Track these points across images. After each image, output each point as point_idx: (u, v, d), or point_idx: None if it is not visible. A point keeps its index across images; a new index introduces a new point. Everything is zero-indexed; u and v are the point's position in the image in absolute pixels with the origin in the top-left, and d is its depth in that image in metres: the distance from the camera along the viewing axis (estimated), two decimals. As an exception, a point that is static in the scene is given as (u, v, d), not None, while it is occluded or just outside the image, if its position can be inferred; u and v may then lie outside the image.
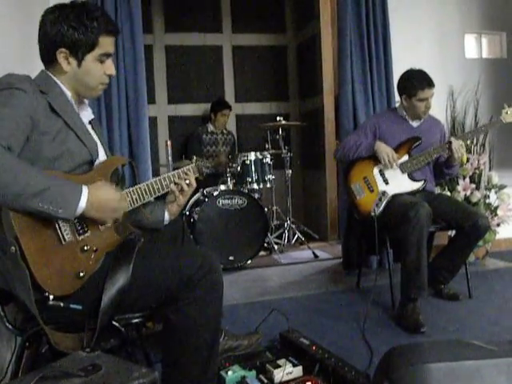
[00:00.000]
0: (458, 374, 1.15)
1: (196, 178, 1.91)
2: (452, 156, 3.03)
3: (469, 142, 3.98)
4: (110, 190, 1.60)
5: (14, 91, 1.51)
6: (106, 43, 1.68)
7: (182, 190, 1.86)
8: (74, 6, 1.66)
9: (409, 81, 3.12)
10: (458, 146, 3.00)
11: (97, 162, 1.72)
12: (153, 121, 5.48)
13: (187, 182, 1.85)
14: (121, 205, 1.63)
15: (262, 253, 4.37)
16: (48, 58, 1.67)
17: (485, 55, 4.52)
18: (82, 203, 1.48)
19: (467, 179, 3.88)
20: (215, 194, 4.03)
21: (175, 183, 1.84)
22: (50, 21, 1.63)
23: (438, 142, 3.20)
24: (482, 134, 3.44)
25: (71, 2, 1.68)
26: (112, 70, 1.73)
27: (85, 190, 1.50)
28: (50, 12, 1.65)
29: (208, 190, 4.16)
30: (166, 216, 1.93)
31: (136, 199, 1.73)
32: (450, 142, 3.02)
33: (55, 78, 1.68)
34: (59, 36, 1.62)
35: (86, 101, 1.84)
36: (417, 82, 3.07)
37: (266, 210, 4.23)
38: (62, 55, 1.64)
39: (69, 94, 1.70)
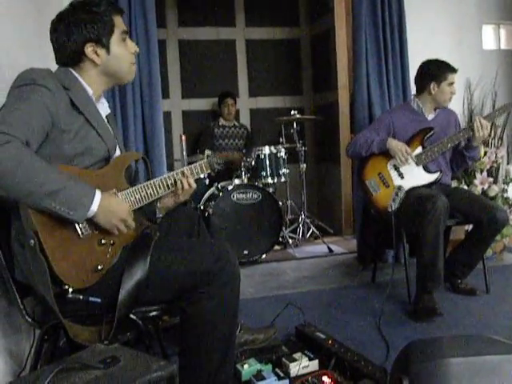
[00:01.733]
0: (478, 368, 1.13)
1: (209, 174, 1.91)
2: (473, 136, 3.00)
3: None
4: (122, 201, 1.63)
5: (37, 87, 1.51)
6: (119, 21, 1.73)
7: (182, 188, 1.82)
8: (74, 5, 1.68)
9: (437, 66, 3.14)
10: (480, 124, 2.96)
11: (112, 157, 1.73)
12: (167, 115, 5.46)
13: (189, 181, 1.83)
14: (129, 217, 1.62)
15: (276, 247, 4.37)
16: (74, 61, 1.68)
17: (503, 46, 4.43)
18: (94, 207, 1.49)
19: (484, 173, 3.83)
20: (230, 188, 4.02)
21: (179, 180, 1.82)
22: (64, 28, 1.64)
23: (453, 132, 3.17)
24: (504, 114, 3.36)
25: (70, 3, 1.69)
26: (135, 47, 1.78)
27: (98, 194, 1.50)
28: (58, 21, 1.66)
29: (222, 184, 4.16)
30: (157, 210, 1.90)
31: (150, 193, 1.73)
32: (472, 122, 3.00)
33: (76, 75, 1.69)
34: (80, 36, 1.64)
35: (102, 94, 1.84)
36: (445, 66, 3.12)
37: (280, 204, 4.22)
38: (89, 50, 1.66)
39: (90, 90, 1.71)
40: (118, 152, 1.79)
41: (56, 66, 1.71)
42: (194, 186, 1.84)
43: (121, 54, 1.72)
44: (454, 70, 3.11)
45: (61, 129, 1.55)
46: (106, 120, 1.80)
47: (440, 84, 3.11)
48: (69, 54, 1.67)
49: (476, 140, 3.03)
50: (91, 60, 1.68)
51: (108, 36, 1.68)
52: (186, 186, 1.81)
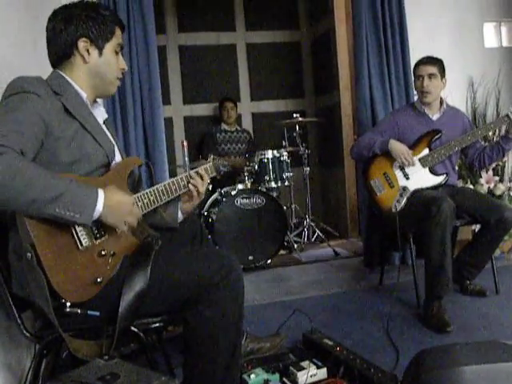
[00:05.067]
0: (493, 376, 1.08)
1: (213, 177, 1.91)
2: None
3: (490, 133, 3.88)
4: (124, 193, 1.57)
5: (27, 95, 1.47)
6: (119, 35, 1.73)
7: (198, 191, 1.84)
8: (85, 2, 1.69)
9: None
10: None
11: (113, 164, 1.69)
12: (168, 122, 5.45)
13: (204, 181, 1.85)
14: (135, 208, 1.59)
15: (281, 252, 4.32)
16: (64, 54, 1.65)
17: (505, 44, 4.38)
18: (99, 207, 1.44)
19: (490, 171, 3.79)
20: (233, 193, 3.98)
21: (192, 184, 1.82)
22: (66, 17, 1.63)
23: (460, 133, 3.10)
24: None
25: (79, 1, 1.69)
26: (125, 65, 1.77)
27: (101, 193, 1.46)
28: (63, 10, 1.65)
29: (226, 189, 4.12)
30: (180, 214, 1.91)
31: (153, 200, 1.69)
32: (507, 116, 2.95)
33: (68, 78, 1.65)
34: (79, 28, 1.63)
35: (99, 100, 1.81)
36: (417, 61, 3.14)
37: (284, 208, 4.18)
38: (82, 45, 1.64)
39: (84, 94, 1.67)
40: (118, 158, 1.75)
41: (50, 71, 1.68)
42: (207, 184, 1.88)
43: (111, 61, 1.71)
44: (420, 63, 3.08)
45: (55, 136, 1.50)
46: (103, 125, 1.76)
47: (414, 83, 3.15)
48: (61, 45, 1.64)
49: None
50: (81, 56, 1.65)
51: (105, 40, 1.68)
52: (201, 188, 1.83)
